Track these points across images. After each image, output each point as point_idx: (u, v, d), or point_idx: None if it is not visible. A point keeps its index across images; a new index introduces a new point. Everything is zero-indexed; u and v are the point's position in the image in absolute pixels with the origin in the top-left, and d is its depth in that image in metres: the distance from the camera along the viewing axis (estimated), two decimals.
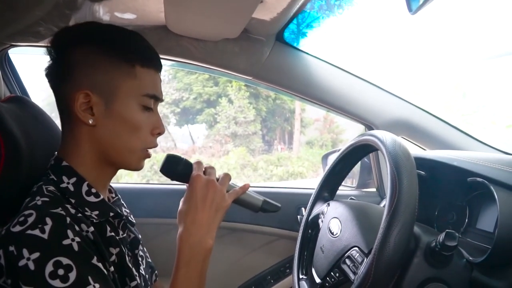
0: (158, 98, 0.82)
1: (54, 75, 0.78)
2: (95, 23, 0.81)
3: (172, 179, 0.85)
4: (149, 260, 1.01)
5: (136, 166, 0.82)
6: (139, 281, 0.81)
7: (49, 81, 0.79)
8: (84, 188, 0.76)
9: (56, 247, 0.62)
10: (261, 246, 1.57)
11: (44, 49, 0.80)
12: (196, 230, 0.79)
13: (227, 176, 0.86)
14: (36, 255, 0.60)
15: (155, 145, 0.83)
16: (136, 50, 0.78)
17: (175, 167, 0.84)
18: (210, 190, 0.81)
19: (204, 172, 0.84)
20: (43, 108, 0.96)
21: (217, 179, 0.84)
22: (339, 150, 1.10)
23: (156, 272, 1.04)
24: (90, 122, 0.75)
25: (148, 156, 0.83)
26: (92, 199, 0.76)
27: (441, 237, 0.74)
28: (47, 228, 0.63)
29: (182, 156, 0.86)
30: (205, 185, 0.81)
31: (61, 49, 0.77)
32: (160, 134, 0.83)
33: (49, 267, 0.60)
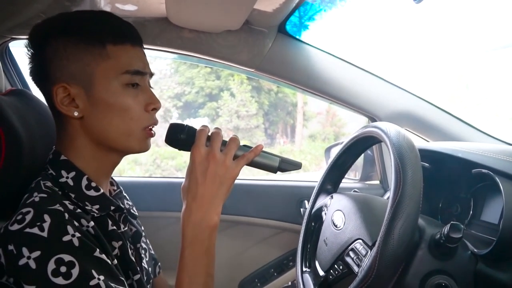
0: (142, 72, 0.77)
1: (35, 74, 0.77)
2: (62, 14, 0.77)
3: (178, 149, 0.79)
4: (152, 252, 1.00)
5: (139, 149, 0.79)
6: (141, 274, 0.81)
7: (34, 82, 0.78)
8: (84, 182, 0.75)
9: (57, 245, 0.62)
10: (264, 239, 1.57)
11: None
12: (197, 207, 0.74)
13: (233, 142, 0.78)
14: (36, 253, 0.60)
15: (154, 122, 0.79)
16: (103, 29, 0.74)
17: (178, 135, 0.78)
18: (211, 163, 0.74)
19: (209, 138, 0.78)
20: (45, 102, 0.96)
21: (224, 142, 0.78)
22: (342, 143, 1.09)
23: (159, 264, 1.03)
24: (76, 114, 0.73)
25: (151, 135, 0.79)
26: (92, 193, 0.75)
27: (445, 229, 0.74)
28: (46, 225, 0.62)
29: (186, 124, 0.80)
30: (205, 158, 0.75)
31: (35, 48, 0.75)
32: (156, 109, 0.79)
33: (51, 265, 0.60)
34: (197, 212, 0.74)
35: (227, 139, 0.79)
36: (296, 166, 0.83)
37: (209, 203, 0.74)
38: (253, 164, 0.80)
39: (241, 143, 0.79)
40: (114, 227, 0.77)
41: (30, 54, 0.76)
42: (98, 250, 0.66)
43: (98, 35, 0.73)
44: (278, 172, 0.83)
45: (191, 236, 0.74)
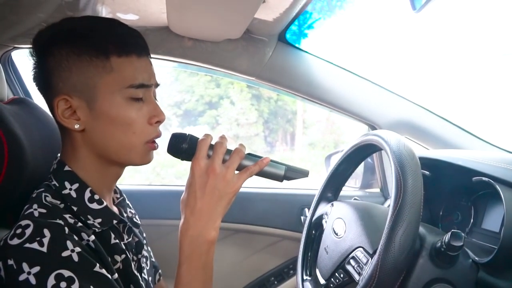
0: (146, 85, 0.74)
1: (37, 81, 0.75)
2: (67, 20, 0.75)
3: (180, 159, 0.77)
4: (153, 260, 1.00)
5: (141, 162, 0.77)
6: (143, 286, 0.81)
7: (37, 88, 0.76)
8: (87, 194, 0.74)
9: (56, 260, 0.61)
10: (265, 247, 1.56)
11: None
12: (195, 222, 0.72)
13: (237, 154, 0.75)
14: (36, 269, 0.59)
15: (158, 135, 0.77)
16: (108, 40, 0.71)
17: (180, 145, 0.76)
18: (210, 176, 0.72)
19: (212, 148, 0.75)
20: (48, 111, 0.96)
21: (229, 151, 0.75)
22: (342, 151, 1.10)
23: (160, 271, 1.03)
24: (77, 127, 0.72)
25: (154, 148, 0.77)
26: (95, 206, 0.74)
27: (446, 237, 0.74)
28: (46, 240, 0.61)
29: (188, 133, 0.77)
30: (205, 172, 0.72)
31: (38, 54, 0.73)
32: (159, 122, 0.77)
33: (51, 281, 0.59)
34: (194, 227, 0.72)
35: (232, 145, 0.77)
36: (303, 174, 0.80)
37: (207, 218, 0.73)
38: (257, 173, 0.78)
39: (247, 152, 0.77)
40: (117, 241, 0.76)
41: (33, 60, 0.74)
42: (98, 265, 0.65)
43: (102, 46, 0.71)
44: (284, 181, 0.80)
45: (188, 250, 0.73)
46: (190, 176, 0.74)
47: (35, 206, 0.67)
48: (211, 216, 0.73)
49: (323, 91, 1.42)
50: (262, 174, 0.78)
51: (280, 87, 1.44)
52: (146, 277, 0.87)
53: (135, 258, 0.84)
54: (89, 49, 0.71)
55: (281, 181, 0.80)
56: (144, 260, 0.89)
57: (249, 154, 0.78)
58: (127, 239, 0.81)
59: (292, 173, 0.79)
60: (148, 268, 0.90)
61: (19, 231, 0.63)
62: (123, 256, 0.76)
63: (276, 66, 1.38)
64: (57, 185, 0.73)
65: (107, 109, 0.72)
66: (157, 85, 0.79)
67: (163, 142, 0.80)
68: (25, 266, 0.60)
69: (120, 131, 0.73)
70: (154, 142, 0.77)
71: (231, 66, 1.37)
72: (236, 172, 0.76)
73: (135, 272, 0.79)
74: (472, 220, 1.02)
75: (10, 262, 0.60)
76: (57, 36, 0.72)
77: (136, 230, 0.87)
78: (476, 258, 0.81)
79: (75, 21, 0.75)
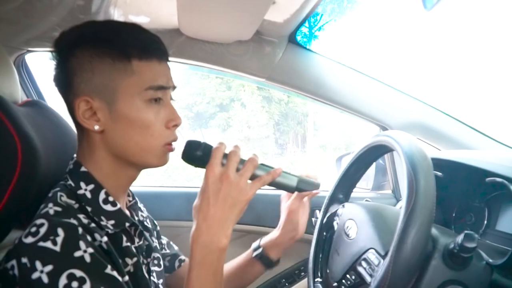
0: (165, 87, 0.76)
1: (58, 81, 0.76)
2: (91, 23, 0.76)
3: (194, 166, 0.78)
4: (168, 251, 1.01)
5: (157, 164, 0.78)
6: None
7: (57, 89, 0.77)
8: (101, 196, 0.75)
9: (69, 260, 0.62)
10: None
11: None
12: (207, 228, 0.73)
13: (251, 163, 0.76)
14: (49, 267, 0.60)
15: (174, 138, 0.78)
16: (130, 44, 0.73)
17: (194, 152, 0.77)
18: (224, 184, 0.73)
19: (226, 157, 0.76)
20: (61, 113, 0.97)
21: (242, 161, 0.77)
22: (353, 152, 1.09)
23: (180, 257, 1.05)
24: (96, 128, 0.73)
25: (171, 150, 0.78)
26: (108, 207, 0.75)
27: (459, 238, 0.73)
28: (59, 240, 0.62)
29: (202, 141, 0.79)
30: (219, 179, 0.74)
31: (60, 55, 0.74)
32: (176, 125, 0.78)
33: (62, 280, 0.60)
34: (207, 233, 0.73)
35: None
36: (314, 186, 0.82)
37: (219, 225, 0.73)
38: (270, 183, 0.79)
39: (260, 162, 0.78)
40: (128, 244, 0.77)
41: (55, 61, 0.75)
42: (109, 266, 0.65)
43: (125, 49, 0.72)
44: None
45: (200, 257, 0.74)
46: (204, 182, 0.75)
47: (50, 205, 0.68)
48: (223, 223, 0.74)
49: (333, 92, 1.42)
50: (274, 184, 0.80)
51: (290, 88, 1.44)
52: (155, 280, 0.87)
53: (145, 261, 0.84)
54: (112, 52, 0.72)
55: (293, 192, 0.82)
56: (156, 262, 0.89)
57: (262, 164, 0.78)
58: (138, 242, 0.81)
59: (304, 185, 0.81)
60: (159, 270, 0.91)
61: (33, 229, 0.63)
62: (135, 259, 0.77)
63: (287, 67, 1.38)
64: (73, 185, 0.74)
65: (127, 111, 0.73)
66: (174, 87, 0.80)
67: (176, 145, 0.81)
68: (38, 264, 0.60)
69: (139, 133, 0.74)
70: (171, 144, 0.78)
71: (241, 67, 1.37)
72: (249, 181, 0.77)
73: (146, 274, 0.79)
74: (485, 222, 1.01)
75: (24, 260, 0.61)
76: (81, 38, 0.73)
77: (147, 234, 0.87)
78: (490, 260, 0.80)
79: (99, 24, 0.77)
